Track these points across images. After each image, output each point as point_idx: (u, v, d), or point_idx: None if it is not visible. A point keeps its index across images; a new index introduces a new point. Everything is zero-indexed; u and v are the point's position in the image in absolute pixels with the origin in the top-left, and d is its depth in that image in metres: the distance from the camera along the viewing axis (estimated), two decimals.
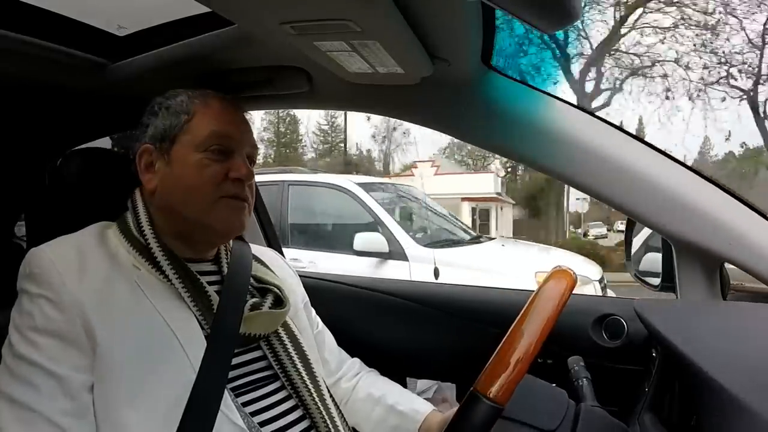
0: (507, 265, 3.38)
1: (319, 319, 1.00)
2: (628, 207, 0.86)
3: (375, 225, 3.59)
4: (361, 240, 3.43)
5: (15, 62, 0.91)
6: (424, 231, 3.86)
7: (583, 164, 0.87)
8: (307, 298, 0.99)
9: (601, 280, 3.69)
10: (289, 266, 1.01)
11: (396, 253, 3.41)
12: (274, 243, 1.50)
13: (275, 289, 0.83)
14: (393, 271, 3.34)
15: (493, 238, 4.62)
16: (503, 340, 0.62)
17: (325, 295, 1.16)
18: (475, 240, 4.10)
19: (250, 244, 0.92)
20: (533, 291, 0.66)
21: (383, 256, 3.39)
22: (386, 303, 1.20)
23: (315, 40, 0.70)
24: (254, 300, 0.79)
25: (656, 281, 1.01)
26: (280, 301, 0.82)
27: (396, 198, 4.34)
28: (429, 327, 1.15)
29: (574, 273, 0.66)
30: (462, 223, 4.69)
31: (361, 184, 3.93)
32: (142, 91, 0.80)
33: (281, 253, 1.30)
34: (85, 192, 0.88)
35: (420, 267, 3.24)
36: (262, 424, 0.71)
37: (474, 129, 0.96)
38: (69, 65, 0.97)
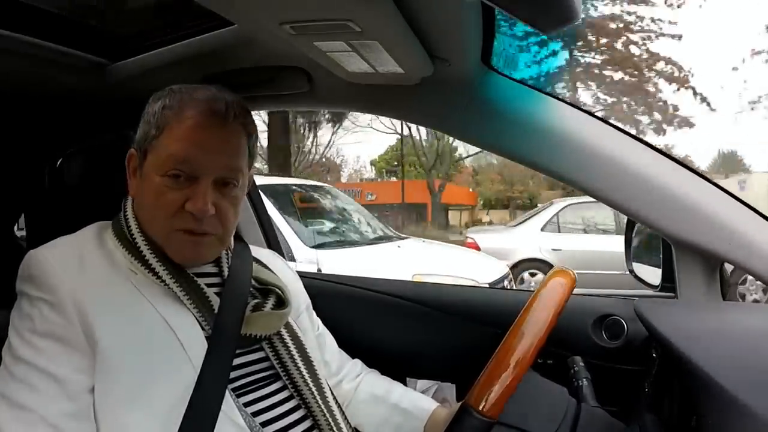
0: (390, 266, 3.52)
1: (319, 321, 1.00)
2: (628, 207, 0.86)
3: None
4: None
5: (15, 62, 0.91)
6: (319, 232, 3.96)
7: (582, 164, 0.87)
8: (309, 300, 0.99)
9: (494, 283, 3.67)
10: (289, 267, 1.01)
11: (284, 254, 3.52)
12: (275, 244, 1.50)
13: (277, 290, 0.83)
14: None
15: (405, 238, 4.64)
16: (503, 341, 0.62)
17: (325, 295, 1.16)
18: (376, 241, 4.18)
19: (250, 246, 0.92)
20: (533, 291, 0.66)
21: None
22: (386, 303, 1.20)
23: (315, 40, 0.70)
24: (256, 301, 0.79)
25: (656, 281, 1.02)
26: (282, 302, 0.82)
27: (305, 199, 4.43)
28: (429, 327, 1.15)
29: (574, 273, 0.66)
30: (372, 223, 4.73)
31: (260, 186, 3.98)
32: (142, 92, 0.80)
33: (282, 254, 1.30)
34: (85, 192, 0.88)
35: (307, 268, 3.37)
36: (264, 424, 0.71)
37: (474, 129, 0.96)
38: (69, 65, 0.97)
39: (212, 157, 0.71)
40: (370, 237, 4.26)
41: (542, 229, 6.50)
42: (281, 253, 1.31)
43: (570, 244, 6.19)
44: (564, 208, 6.70)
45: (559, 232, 6.51)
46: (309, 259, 3.46)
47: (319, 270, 3.21)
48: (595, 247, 5.98)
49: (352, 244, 3.97)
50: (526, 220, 7.08)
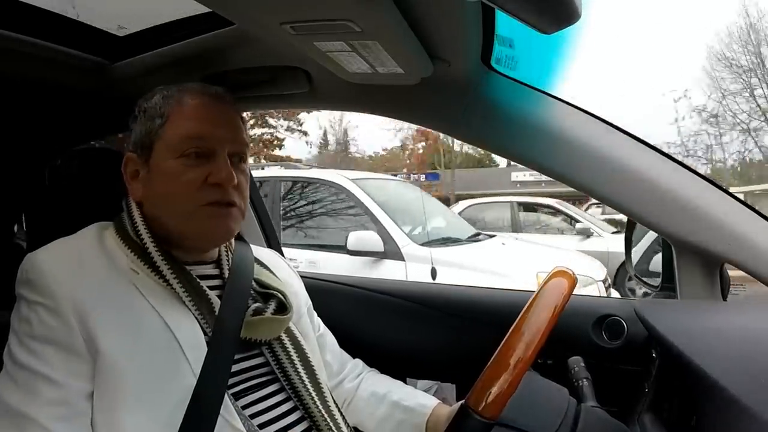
0: (507, 264, 3.27)
1: (320, 321, 1.00)
2: (629, 207, 0.86)
3: (370, 223, 3.43)
4: (355, 239, 3.22)
5: (15, 62, 0.92)
6: (420, 229, 3.63)
7: (583, 164, 0.87)
8: (310, 301, 0.98)
9: (605, 280, 3.64)
10: (290, 267, 1.00)
11: (391, 252, 3.22)
12: (274, 243, 1.50)
13: (279, 295, 0.82)
14: (388, 272, 3.16)
15: (494, 236, 4.42)
16: (503, 341, 0.62)
17: (326, 295, 1.16)
18: (474, 238, 3.96)
19: (251, 246, 0.92)
20: (533, 291, 0.66)
21: (378, 256, 3.22)
22: (386, 303, 1.20)
23: (315, 40, 0.70)
24: (257, 305, 0.77)
25: (656, 281, 1.02)
26: (283, 307, 0.81)
27: (392, 194, 4.11)
28: (429, 327, 1.15)
29: (574, 273, 0.66)
30: (461, 220, 4.61)
31: (355, 180, 3.73)
32: (143, 92, 0.80)
33: (281, 253, 1.30)
34: (85, 192, 0.88)
35: (417, 267, 3.09)
36: (262, 426, 0.71)
37: (474, 129, 0.96)
38: (69, 65, 0.97)
39: (223, 131, 0.74)
40: (465, 235, 3.97)
41: None
42: (281, 252, 1.30)
43: None
44: (466, 208, 7.22)
45: None
46: (421, 257, 3.09)
47: (433, 270, 2.89)
48: None
49: (456, 241, 3.67)
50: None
